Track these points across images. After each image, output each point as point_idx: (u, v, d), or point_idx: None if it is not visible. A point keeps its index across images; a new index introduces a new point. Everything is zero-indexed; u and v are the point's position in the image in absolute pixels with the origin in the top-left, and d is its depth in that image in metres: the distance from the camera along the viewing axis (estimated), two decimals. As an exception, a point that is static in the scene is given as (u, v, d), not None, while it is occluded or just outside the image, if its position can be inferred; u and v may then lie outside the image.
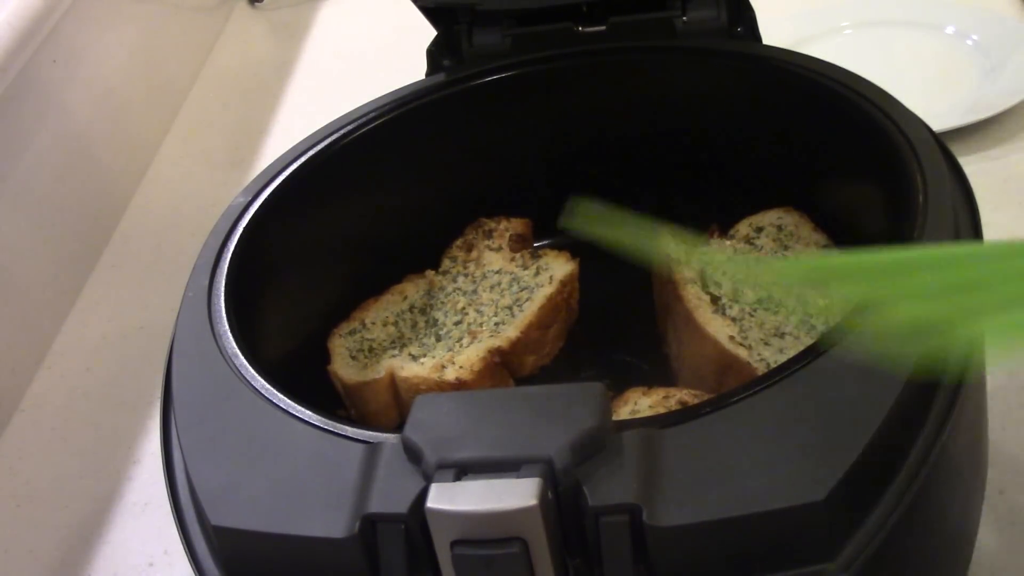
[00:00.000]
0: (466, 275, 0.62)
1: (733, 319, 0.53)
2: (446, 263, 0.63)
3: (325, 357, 0.58)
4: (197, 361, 0.47)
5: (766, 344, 0.52)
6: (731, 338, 0.52)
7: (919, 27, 0.86)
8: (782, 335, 0.53)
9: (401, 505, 0.37)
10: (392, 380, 0.56)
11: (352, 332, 0.59)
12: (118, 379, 0.74)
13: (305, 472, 0.40)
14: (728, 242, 0.59)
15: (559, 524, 0.37)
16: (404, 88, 0.62)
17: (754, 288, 0.54)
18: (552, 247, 0.62)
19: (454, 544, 0.36)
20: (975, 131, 0.74)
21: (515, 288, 0.59)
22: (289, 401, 0.44)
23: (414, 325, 0.59)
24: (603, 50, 0.61)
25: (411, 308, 0.60)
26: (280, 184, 0.57)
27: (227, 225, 0.55)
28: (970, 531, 0.46)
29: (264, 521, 0.39)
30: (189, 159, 0.95)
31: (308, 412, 0.43)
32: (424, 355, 0.57)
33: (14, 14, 0.75)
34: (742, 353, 0.51)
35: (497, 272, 0.61)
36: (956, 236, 0.45)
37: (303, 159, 0.58)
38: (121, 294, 0.82)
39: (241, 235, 0.54)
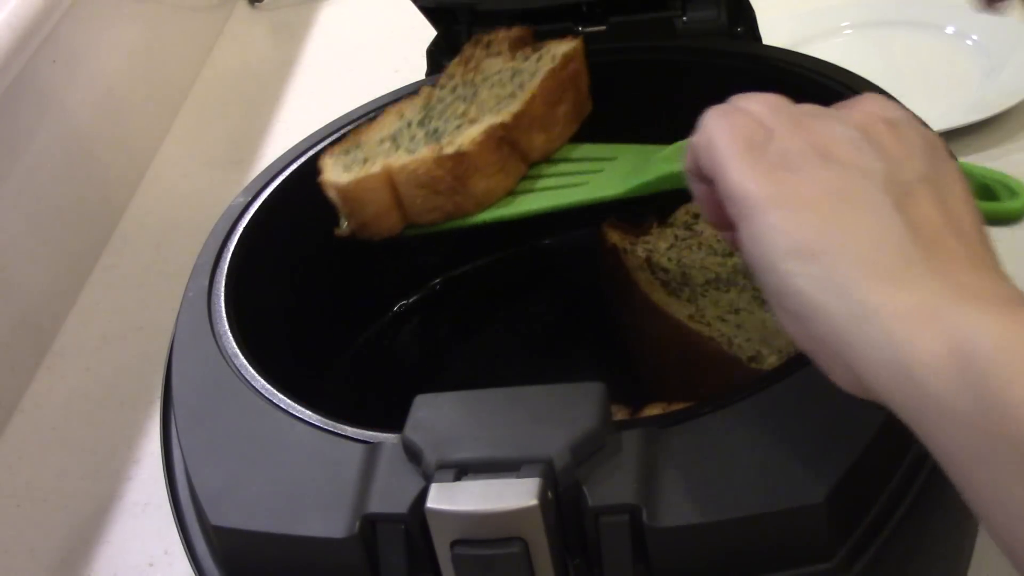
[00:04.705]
0: (465, 83, 0.58)
1: (688, 300, 0.54)
2: (444, 79, 0.59)
3: (324, 351, 0.58)
4: (197, 361, 0.47)
5: (723, 320, 0.53)
6: (690, 317, 0.53)
7: (919, 27, 0.86)
8: (737, 311, 0.53)
9: (401, 505, 0.37)
10: (390, 177, 0.51)
11: (346, 152, 0.55)
12: (118, 379, 0.74)
13: (305, 472, 0.40)
14: (668, 229, 0.59)
15: (559, 524, 0.37)
16: (404, 88, 0.62)
17: (701, 270, 0.56)
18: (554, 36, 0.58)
19: (454, 544, 0.36)
20: (975, 131, 0.74)
21: (516, 78, 0.56)
22: (289, 401, 0.44)
23: (412, 138, 0.55)
24: (603, 50, 0.61)
25: (408, 125, 0.56)
26: (280, 184, 0.57)
27: (227, 225, 0.55)
28: (970, 531, 0.46)
29: (264, 521, 0.39)
30: (189, 159, 0.95)
31: (308, 412, 0.43)
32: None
33: (14, 14, 0.75)
34: (703, 330, 0.52)
35: (498, 72, 0.57)
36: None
37: (303, 159, 0.58)
38: (121, 294, 0.82)
39: (241, 235, 0.54)
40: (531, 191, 0.52)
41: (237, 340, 0.48)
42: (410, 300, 0.65)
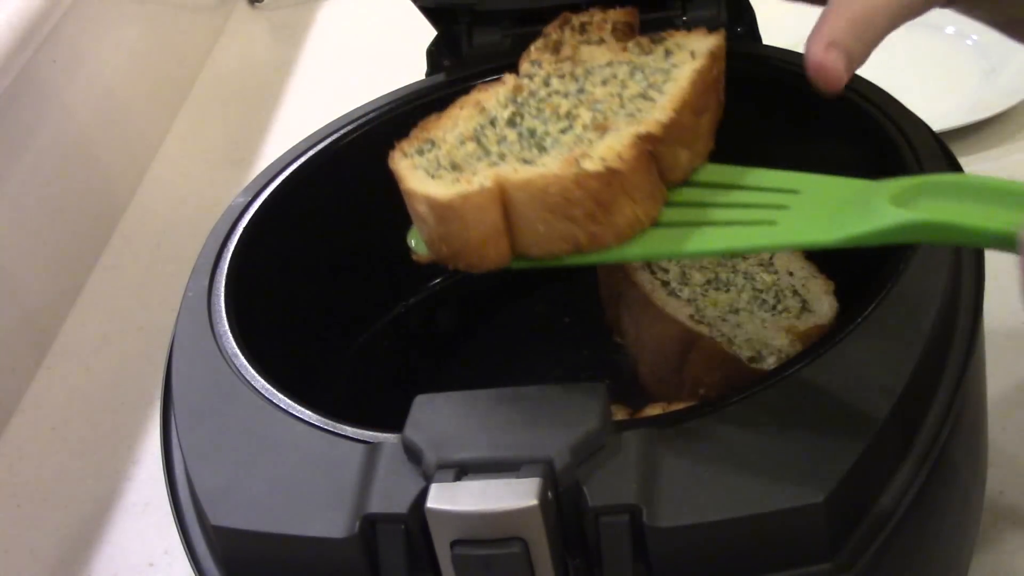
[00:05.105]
0: (562, 76, 0.48)
1: (688, 300, 0.54)
2: (527, 67, 0.50)
3: (334, 361, 0.58)
4: (197, 361, 0.47)
5: (723, 320, 0.53)
6: (690, 316, 0.53)
7: (919, 27, 0.84)
8: (736, 311, 0.53)
9: (401, 505, 0.37)
10: (502, 192, 0.40)
11: (420, 152, 0.45)
12: (118, 379, 0.74)
13: (305, 472, 0.40)
14: None
15: (559, 524, 0.37)
16: (404, 88, 0.62)
17: (701, 270, 0.56)
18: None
19: (454, 544, 0.36)
20: (975, 131, 0.74)
21: (640, 76, 0.46)
22: (289, 401, 0.44)
23: (502, 140, 0.44)
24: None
25: (492, 122, 0.46)
26: (280, 184, 0.57)
27: (227, 225, 0.55)
28: (970, 531, 0.46)
29: (264, 521, 0.39)
30: (189, 159, 0.95)
31: (308, 412, 0.43)
32: (536, 161, 0.42)
33: (14, 14, 0.75)
34: (703, 330, 0.52)
35: (608, 65, 0.48)
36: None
37: (303, 159, 0.58)
38: (121, 294, 0.82)
39: (241, 235, 0.54)
40: (693, 224, 0.41)
41: (237, 340, 0.48)
42: (410, 300, 0.65)
